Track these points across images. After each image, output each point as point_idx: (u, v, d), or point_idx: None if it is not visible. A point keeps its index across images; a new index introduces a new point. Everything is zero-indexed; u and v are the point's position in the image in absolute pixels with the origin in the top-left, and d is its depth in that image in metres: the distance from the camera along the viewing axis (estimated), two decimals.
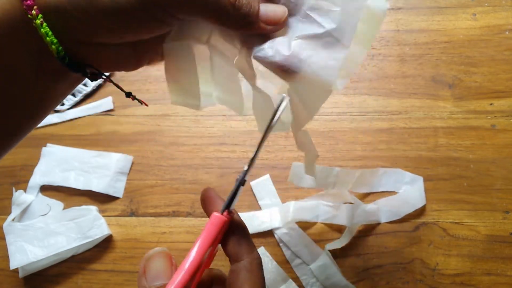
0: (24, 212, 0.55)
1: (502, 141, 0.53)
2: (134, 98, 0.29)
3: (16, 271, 0.52)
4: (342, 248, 0.50)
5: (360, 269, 0.49)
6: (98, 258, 0.53)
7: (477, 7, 0.59)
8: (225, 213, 0.24)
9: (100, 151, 0.57)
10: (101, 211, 0.55)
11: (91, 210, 0.54)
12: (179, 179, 0.55)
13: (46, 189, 0.57)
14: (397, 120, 0.55)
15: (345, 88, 0.57)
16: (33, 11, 0.20)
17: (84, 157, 0.57)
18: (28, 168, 0.58)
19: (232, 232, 0.24)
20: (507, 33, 0.57)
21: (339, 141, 0.55)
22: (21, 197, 0.55)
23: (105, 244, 0.53)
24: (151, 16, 0.22)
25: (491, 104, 0.54)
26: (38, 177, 0.57)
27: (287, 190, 0.53)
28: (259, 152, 0.24)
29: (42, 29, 0.21)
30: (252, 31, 0.23)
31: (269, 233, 0.52)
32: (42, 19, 0.21)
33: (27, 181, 0.57)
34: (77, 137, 0.59)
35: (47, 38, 0.21)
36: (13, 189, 0.56)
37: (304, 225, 0.51)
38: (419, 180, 0.52)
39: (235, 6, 0.22)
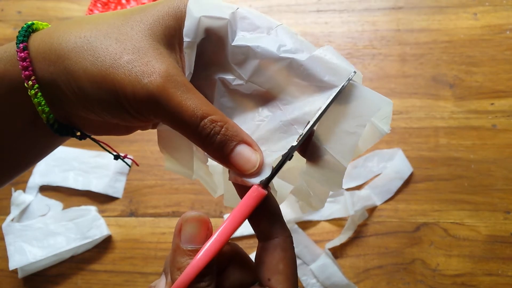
0: (23, 212, 0.55)
1: (503, 141, 0.53)
2: (122, 159, 0.30)
3: (15, 271, 0.52)
4: (342, 248, 0.50)
5: (360, 270, 0.49)
6: (98, 258, 0.53)
7: (478, 7, 0.58)
8: (263, 187, 0.23)
9: (100, 151, 0.57)
10: (100, 212, 0.55)
11: (91, 210, 0.54)
12: (179, 179, 0.55)
13: (45, 189, 0.56)
14: (397, 120, 0.55)
15: None
16: (29, 82, 0.22)
17: (84, 157, 0.57)
18: None
19: (266, 209, 0.23)
20: (508, 32, 0.57)
21: None
22: (20, 198, 0.55)
23: (105, 245, 0.53)
24: (128, 113, 0.23)
25: (492, 104, 0.54)
26: (37, 177, 0.56)
27: None
28: (313, 127, 0.23)
29: (35, 99, 0.22)
30: (220, 163, 0.23)
31: None
32: (37, 89, 0.22)
33: (26, 181, 0.57)
34: None
35: (39, 107, 0.23)
36: (12, 189, 0.56)
37: (304, 225, 0.51)
38: (398, 152, 0.53)
39: (205, 140, 0.22)
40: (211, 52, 0.25)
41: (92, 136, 0.27)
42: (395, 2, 0.60)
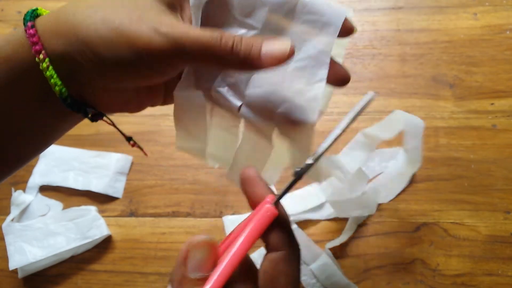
0: (23, 212, 0.55)
1: (503, 141, 0.53)
2: (134, 144, 0.30)
3: (15, 271, 0.52)
4: (342, 249, 0.50)
5: (360, 270, 0.49)
6: (98, 258, 0.53)
7: (478, 7, 0.58)
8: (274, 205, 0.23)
9: (100, 151, 0.57)
10: (100, 212, 0.55)
11: (91, 210, 0.54)
12: (179, 179, 0.55)
13: (45, 189, 0.56)
14: None
15: (346, 88, 0.57)
16: (40, 55, 0.22)
17: (84, 157, 0.57)
18: (27, 168, 0.57)
19: (277, 224, 0.23)
20: (508, 32, 0.57)
21: (339, 141, 0.55)
22: (20, 197, 0.55)
23: (105, 245, 0.53)
24: (148, 67, 0.23)
25: (492, 104, 0.54)
26: (37, 177, 0.56)
27: None
28: (328, 149, 0.23)
29: (47, 72, 0.23)
30: (257, 69, 0.23)
31: None
32: (48, 63, 0.23)
33: (26, 181, 0.57)
34: (77, 137, 0.59)
35: (52, 80, 0.23)
36: (12, 189, 0.56)
37: (304, 225, 0.51)
38: (400, 151, 0.53)
39: (233, 51, 0.22)
40: (215, 14, 0.25)
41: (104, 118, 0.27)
42: (395, 2, 0.60)
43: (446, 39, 0.58)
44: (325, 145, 0.23)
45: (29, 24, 0.23)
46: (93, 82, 0.24)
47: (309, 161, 0.23)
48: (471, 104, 0.55)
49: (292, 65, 0.25)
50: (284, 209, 0.24)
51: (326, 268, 0.48)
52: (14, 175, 0.57)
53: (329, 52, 0.25)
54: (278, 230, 0.23)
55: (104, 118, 0.27)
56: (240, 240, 0.21)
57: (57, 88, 0.23)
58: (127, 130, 0.58)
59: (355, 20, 0.59)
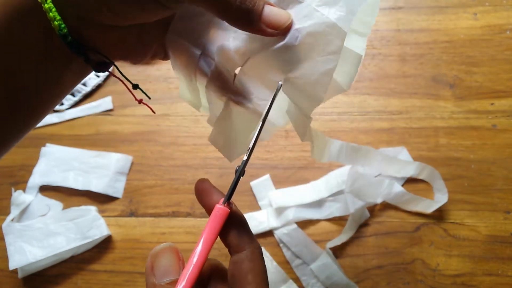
0: (23, 212, 0.55)
1: (503, 141, 0.53)
2: (141, 100, 0.29)
3: (15, 271, 0.52)
4: (342, 248, 0.50)
5: (360, 270, 0.49)
6: (98, 258, 0.53)
7: (478, 7, 0.58)
8: (226, 205, 0.24)
9: (100, 151, 0.57)
10: (100, 212, 0.55)
11: (91, 210, 0.54)
12: (179, 179, 0.55)
13: (45, 189, 0.56)
14: (397, 120, 0.55)
15: None
16: None
17: (84, 157, 0.57)
18: (27, 168, 0.57)
19: (232, 223, 0.24)
20: (508, 32, 0.57)
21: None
22: (20, 198, 0.55)
23: (105, 245, 0.53)
24: None
25: (492, 104, 0.54)
26: (37, 177, 0.56)
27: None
28: (257, 141, 0.24)
29: (46, 5, 0.21)
30: (252, 30, 0.23)
31: (269, 234, 0.51)
32: None
33: (26, 181, 0.57)
34: (77, 137, 0.59)
35: (50, 13, 0.22)
36: (12, 189, 0.56)
37: (304, 225, 0.51)
38: (403, 150, 0.53)
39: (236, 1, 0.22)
40: None
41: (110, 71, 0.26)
42: (395, 2, 0.60)
43: (446, 39, 0.58)
44: (254, 138, 0.24)
45: None
46: (91, 16, 0.23)
47: (245, 157, 0.24)
48: (471, 104, 0.55)
49: (304, 29, 0.24)
50: (237, 209, 0.25)
51: (326, 268, 0.48)
52: (14, 175, 0.57)
53: (349, 21, 0.23)
54: (235, 230, 0.24)
55: (110, 69, 0.26)
56: (201, 241, 0.23)
57: (56, 23, 0.22)
58: (127, 130, 0.58)
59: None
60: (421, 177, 0.52)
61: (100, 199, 0.55)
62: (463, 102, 0.55)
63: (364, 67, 0.58)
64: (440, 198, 0.51)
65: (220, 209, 0.23)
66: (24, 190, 0.56)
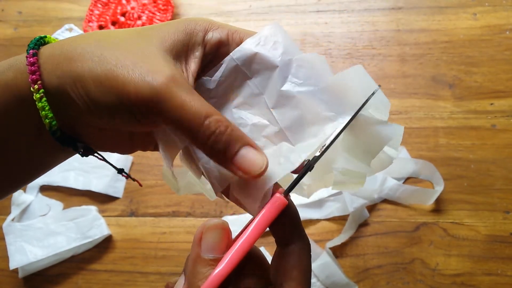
0: (23, 212, 0.55)
1: (503, 141, 0.53)
2: (127, 176, 0.30)
3: (15, 271, 0.52)
4: (342, 248, 0.50)
5: (360, 269, 0.49)
6: (98, 258, 0.53)
7: (477, 7, 0.58)
8: (285, 196, 0.23)
9: (100, 150, 0.57)
10: (101, 211, 0.55)
11: (91, 210, 0.54)
12: None
13: (45, 189, 0.57)
14: (397, 120, 0.55)
15: None
16: (35, 85, 0.22)
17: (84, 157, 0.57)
18: None
19: (287, 215, 0.23)
20: (507, 33, 0.57)
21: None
22: (20, 197, 0.55)
23: (105, 244, 0.53)
24: (129, 113, 0.22)
25: (492, 104, 0.54)
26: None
27: None
28: (334, 141, 0.23)
29: (39, 103, 0.22)
30: (224, 167, 0.23)
31: (269, 233, 0.51)
32: (42, 94, 0.22)
33: None
34: None
35: (43, 112, 0.22)
36: None
37: (304, 225, 0.51)
38: (402, 150, 0.53)
39: (209, 139, 0.21)
40: (232, 84, 0.25)
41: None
42: (394, 2, 0.60)
43: (446, 39, 0.58)
44: (331, 137, 0.24)
45: (31, 52, 0.22)
46: (83, 118, 0.23)
47: (317, 153, 0.23)
48: (470, 104, 0.55)
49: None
50: (293, 203, 0.24)
51: (326, 268, 0.49)
52: None
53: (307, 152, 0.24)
54: (288, 223, 0.23)
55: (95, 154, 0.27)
56: (251, 227, 0.22)
57: (47, 120, 0.22)
58: None
59: (354, 20, 0.59)
60: (416, 174, 0.52)
61: (100, 199, 0.55)
62: (462, 102, 0.55)
63: (363, 67, 0.58)
64: (438, 188, 0.51)
65: (279, 198, 0.23)
66: (24, 190, 0.56)
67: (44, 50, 0.23)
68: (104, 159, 0.28)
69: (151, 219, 0.54)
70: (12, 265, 0.51)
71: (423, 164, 0.52)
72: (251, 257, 0.25)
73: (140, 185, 0.32)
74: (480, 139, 0.53)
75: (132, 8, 0.63)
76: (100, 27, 0.63)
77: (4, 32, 0.65)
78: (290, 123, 0.25)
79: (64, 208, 0.55)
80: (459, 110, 0.54)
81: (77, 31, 0.63)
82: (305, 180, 0.30)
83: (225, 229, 0.23)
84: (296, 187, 0.24)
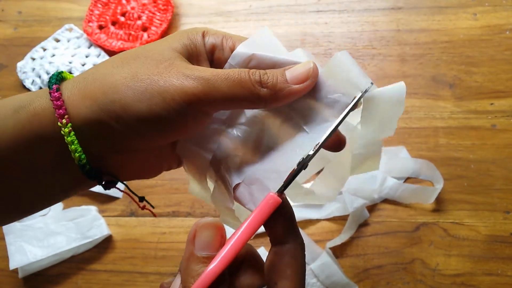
0: None
1: (503, 141, 0.53)
2: (144, 206, 0.30)
3: (15, 271, 0.52)
4: (342, 248, 0.50)
5: (360, 270, 0.49)
6: (98, 258, 0.53)
7: (477, 7, 0.58)
8: (279, 194, 0.23)
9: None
10: (101, 211, 0.55)
11: (91, 210, 0.54)
12: (179, 179, 0.55)
13: None
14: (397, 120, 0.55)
15: None
16: (63, 120, 0.22)
17: None
18: None
19: (281, 214, 0.24)
20: (507, 33, 0.57)
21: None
22: None
23: (105, 244, 0.53)
24: (186, 119, 0.23)
25: (492, 104, 0.54)
26: None
27: None
28: (327, 139, 0.24)
29: (68, 138, 0.22)
30: (285, 98, 0.24)
31: None
32: (70, 128, 0.22)
33: None
34: None
35: (72, 146, 0.23)
36: None
37: (304, 225, 0.51)
38: (402, 150, 0.53)
39: (262, 82, 0.23)
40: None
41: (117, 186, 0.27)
42: (394, 2, 0.60)
43: (446, 39, 0.58)
44: (324, 136, 0.24)
45: (54, 87, 0.23)
46: (120, 145, 0.24)
47: (311, 151, 0.24)
48: (470, 104, 0.55)
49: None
50: (288, 202, 0.24)
51: (326, 268, 0.49)
52: None
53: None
54: (282, 222, 0.24)
55: (117, 185, 0.27)
56: (244, 225, 0.22)
57: (76, 154, 0.23)
58: None
59: (354, 20, 0.59)
60: (416, 173, 0.52)
61: (100, 199, 0.55)
62: (462, 102, 0.55)
63: (363, 67, 0.58)
64: (438, 186, 0.51)
65: (272, 197, 0.23)
66: None
67: (66, 84, 0.23)
68: (127, 187, 0.29)
69: (151, 219, 0.54)
70: (12, 265, 0.51)
71: (423, 163, 0.52)
72: (246, 256, 0.25)
73: (154, 215, 0.32)
74: (480, 139, 0.53)
75: (132, 8, 0.63)
76: (100, 27, 0.63)
77: (4, 32, 0.65)
78: (300, 112, 0.26)
79: (64, 208, 0.55)
80: (459, 110, 0.54)
81: (77, 31, 0.63)
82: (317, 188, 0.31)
83: (219, 227, 0.23)
84: (313, 199, 0.25)
